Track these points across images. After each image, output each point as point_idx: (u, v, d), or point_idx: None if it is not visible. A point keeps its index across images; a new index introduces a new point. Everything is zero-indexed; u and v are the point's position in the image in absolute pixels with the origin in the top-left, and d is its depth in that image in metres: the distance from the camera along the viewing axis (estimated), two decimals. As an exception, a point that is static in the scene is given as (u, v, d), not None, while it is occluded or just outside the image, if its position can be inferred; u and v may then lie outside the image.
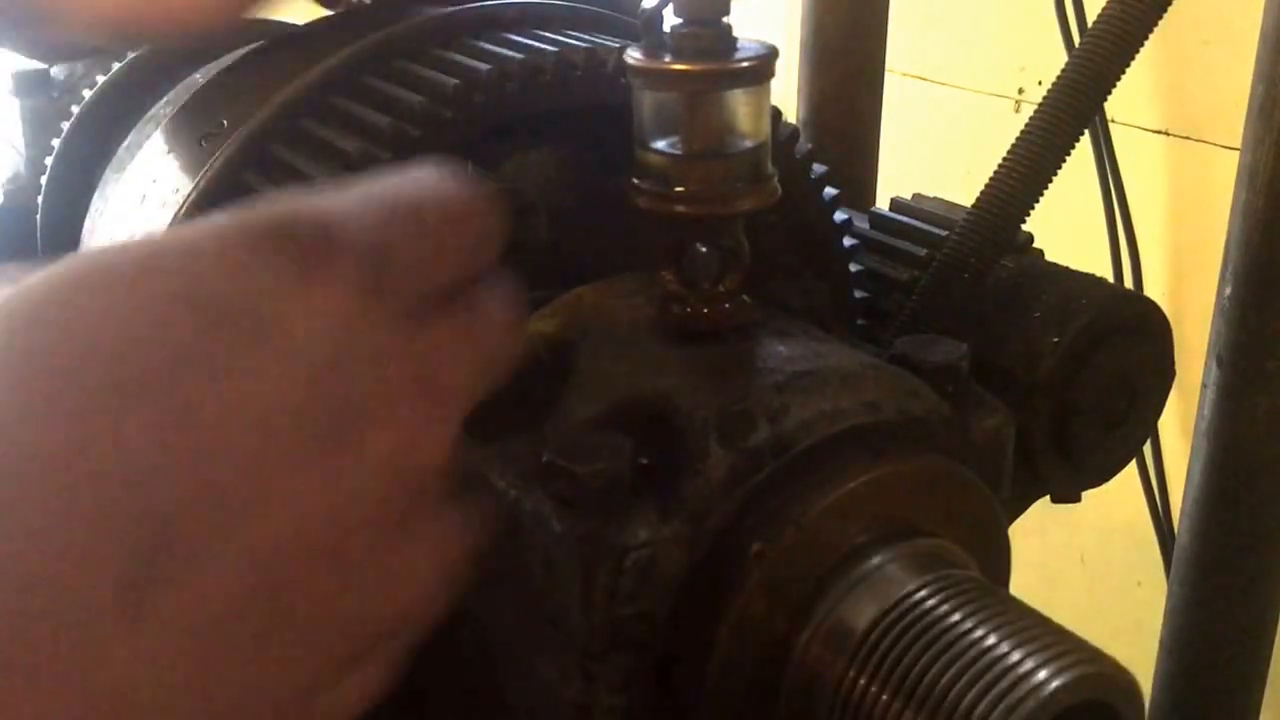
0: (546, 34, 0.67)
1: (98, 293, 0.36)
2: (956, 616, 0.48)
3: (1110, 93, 0.67)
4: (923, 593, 0.49)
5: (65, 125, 1.11)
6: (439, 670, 0.58)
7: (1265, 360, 0.86)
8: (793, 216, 0.67)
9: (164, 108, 0.74)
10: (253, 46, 0.72)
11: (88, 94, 1.09)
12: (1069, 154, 0.67)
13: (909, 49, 1.52)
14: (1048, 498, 0.70)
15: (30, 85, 1.19)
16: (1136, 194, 1.35)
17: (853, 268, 0.73)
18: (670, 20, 0.54)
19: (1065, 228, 1.04)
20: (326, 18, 0.73)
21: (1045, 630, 0.48)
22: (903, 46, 1.13)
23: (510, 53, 0.62)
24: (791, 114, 0.89)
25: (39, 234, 0.90)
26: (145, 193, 0.68)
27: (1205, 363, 0.89)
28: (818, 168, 0.69)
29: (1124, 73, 0.66)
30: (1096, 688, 0.46)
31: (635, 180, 0.56)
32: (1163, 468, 1.34)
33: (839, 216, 0.71)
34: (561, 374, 0.56)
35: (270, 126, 0.65)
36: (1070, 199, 0.99)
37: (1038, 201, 0.67)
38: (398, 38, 0.65)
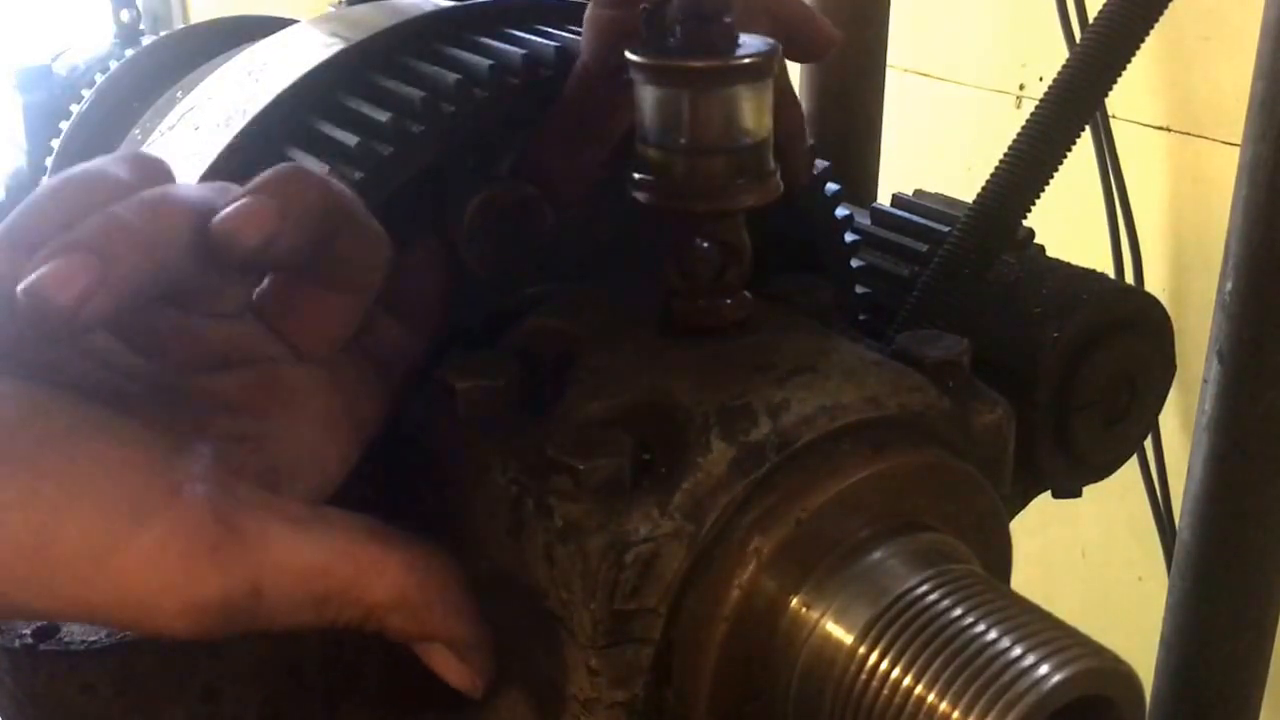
0: (550, 29, 0.67)
1: None
2: (957, 611, 0.48)
3: (1111, 89, 0.67)
4: (924, 588, 0.49)
5: (64, 125, 1.11)
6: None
7: (1266, 355, 0.86)
8: (795, 212, 0.67)
9: (159, 115, 0.74)
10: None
11: (87, 93, 1.09)
12: (1070, 150, 0.67)
13: (910, 45, 1.52)
14: (1049, 493, 0.70)
15: (33, 82, 1.20)
16: (1137, 189, 1.35)
17: (854, 263, 0.73)
18: (673, 16, 0.54)
19: (1066, 223, 1.04)
20: (327, 15, 0.72)
21: (1046, 625, 0.48)
22: (904, 42, 1.13)
23: (512, 48, 0.62)
24: (793, 110, 0.89)
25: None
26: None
27: (1206, 358, 0.90)
28: (819, 164, 0.69)
29: (1125, 69, 0.66)
30: (1097, 682, 0.46)
31: (638, 176, 0.56)
32: (1164, 463, 1.33)
33: (840, 212, 0.71)
34: (564, 369, 0.56)
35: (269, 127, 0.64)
36: (1071, 195, 0.99)
37: (1039, 197, 0.67)
38: (402, 33, 0.65)
